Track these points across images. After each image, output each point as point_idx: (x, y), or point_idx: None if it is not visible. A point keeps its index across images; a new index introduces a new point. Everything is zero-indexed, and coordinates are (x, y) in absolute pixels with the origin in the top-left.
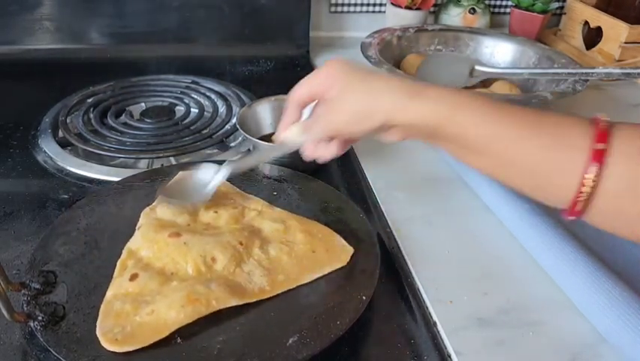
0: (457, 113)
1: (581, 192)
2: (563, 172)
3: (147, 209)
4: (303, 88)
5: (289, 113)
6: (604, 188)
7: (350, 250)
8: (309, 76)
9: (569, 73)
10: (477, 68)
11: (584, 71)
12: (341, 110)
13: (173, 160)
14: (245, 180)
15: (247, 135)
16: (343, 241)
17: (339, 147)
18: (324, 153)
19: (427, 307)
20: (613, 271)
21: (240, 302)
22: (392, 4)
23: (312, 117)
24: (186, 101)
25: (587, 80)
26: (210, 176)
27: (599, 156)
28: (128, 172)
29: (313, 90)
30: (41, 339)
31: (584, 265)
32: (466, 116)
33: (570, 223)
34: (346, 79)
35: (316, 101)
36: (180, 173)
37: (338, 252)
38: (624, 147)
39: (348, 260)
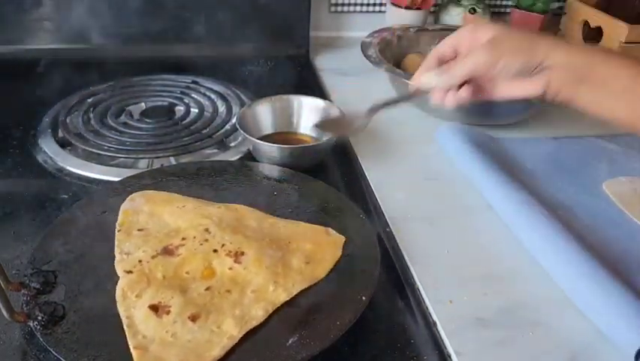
0: (607, 57)
1: None
2: None
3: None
4: (448, 41)
5: (426, 63)
6: None
7: (341, 239)
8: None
9: None
10: None
11: None
12: (498, 46)
13: (173, 160)
14: (245, 182)
15: (247, 135)
16: (332, 233)
17: (469, 94)
18: (451, 99)
19: (426, 307)
20: (613, 271)
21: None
22: (392, 3)
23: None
24: (186, 101)
25: None
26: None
27: None
28: (128, 172)
29: (458, 42)
30: (41, 339)
31: (584, 265)
32: (613, 59)
33: (569, 223)
34: (495, 30)
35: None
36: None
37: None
38: None
39: (341, 251)
